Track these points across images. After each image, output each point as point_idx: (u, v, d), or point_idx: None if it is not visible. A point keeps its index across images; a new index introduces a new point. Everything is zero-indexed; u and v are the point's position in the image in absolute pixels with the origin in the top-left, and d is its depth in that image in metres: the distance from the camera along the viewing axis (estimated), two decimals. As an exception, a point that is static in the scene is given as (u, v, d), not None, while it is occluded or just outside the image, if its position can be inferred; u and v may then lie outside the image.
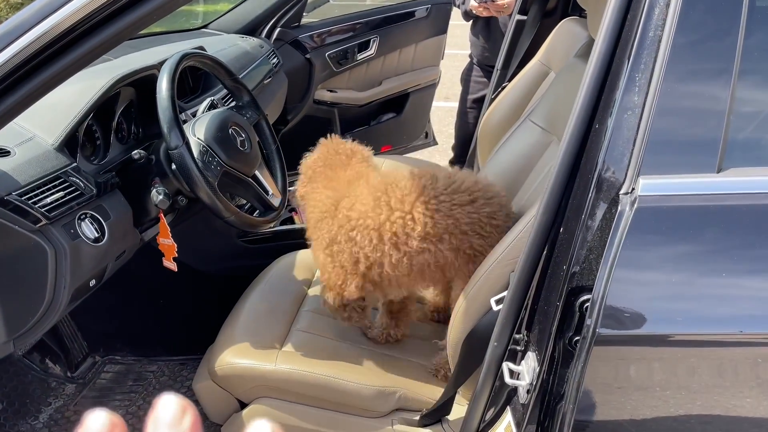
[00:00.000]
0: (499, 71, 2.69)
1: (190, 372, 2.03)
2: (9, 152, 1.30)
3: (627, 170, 0.93)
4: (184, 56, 1.51)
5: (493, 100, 2.66)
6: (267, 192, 1.67)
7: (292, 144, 3.17)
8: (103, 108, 1.55)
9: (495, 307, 1.25)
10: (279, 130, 3.09)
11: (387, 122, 3.49)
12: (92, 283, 1.43)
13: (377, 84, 3.38)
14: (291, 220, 2.13)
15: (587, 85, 1.00)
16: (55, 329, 1.90)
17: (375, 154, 3.38)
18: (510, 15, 2.72)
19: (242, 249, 2.10)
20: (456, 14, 3.28)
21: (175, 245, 1.58)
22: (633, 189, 0.92)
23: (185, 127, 1.52)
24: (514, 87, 2.46)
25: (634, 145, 0.93)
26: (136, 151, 1.51)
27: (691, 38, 0.92)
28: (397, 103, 3.48)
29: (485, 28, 2.89)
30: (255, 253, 2.09)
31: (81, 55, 1.07)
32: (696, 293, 0.91)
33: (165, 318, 2.12)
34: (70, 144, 1.43)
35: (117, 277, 1.62)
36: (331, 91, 3.22)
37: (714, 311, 0.91)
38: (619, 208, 0.92)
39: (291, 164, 2.44)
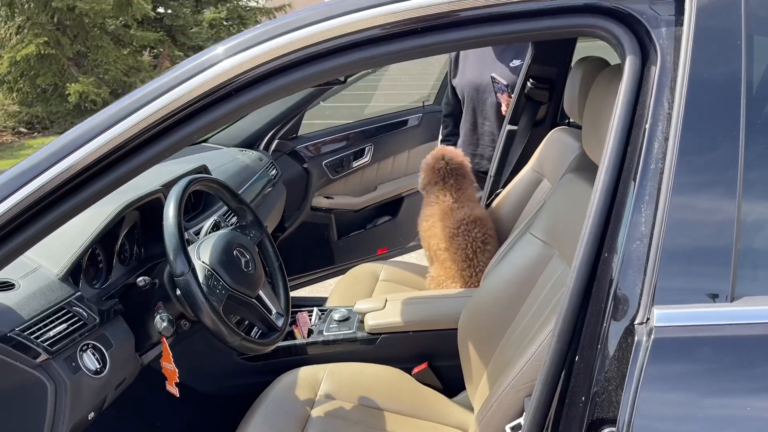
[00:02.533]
0: (492, 178, 2.76)
1: (188, 501, 1.93)
2: (14, 285, 1.29)
3: (640, 299, 0.94)
4: (191, 182, 1.54)
5: (487, 206, 2.71)
6: (270, 312, 1.66)
7: (289, 250, 3.20)
8: (107, 233, 1.56)
9: (510, 435, 1.22)
10: (276, 237, 3.11)
11: (383, 225, 3.53)
12: (91, 416, 1.38)
13: (372, 189, 3.45)
14: (292, 334, 2.10)
15: (593, 214, 1.02)
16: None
17: (371, 258, 3.42)
18: (499, 123, 2.82)
19: (243, 367, 2.05)
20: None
21: (177, 371, 1.55)
22: (648, 319, 0.92)
23: (190, 249, 1.52)
24: (508, 194, 2.51)
25: (645, 274, 0.94)
26: (140, 278, 1.50)
27: (693, 170, 0.95)
28: (392, 206, 3.54)
29: (473, 136, 2.99)
30: (256, 371, 2.04)
31: (97, 190, 1.09)
32: (723, 427, 0.89)
33: (162, 442, 2.04)
34: (74, 272, 1.42)
35: (114, 400, 1.57)
36: (327, 197, 3.28)
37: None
38: (636, 338, 0.92)
39: (289, 270, 2.44)
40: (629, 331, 0.93)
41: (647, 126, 0.98)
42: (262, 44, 1.06)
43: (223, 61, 1.06)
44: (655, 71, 1.00)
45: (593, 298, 1.00)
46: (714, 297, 0.92)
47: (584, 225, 1.03)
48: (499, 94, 2.78)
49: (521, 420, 1.23)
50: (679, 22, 1.00)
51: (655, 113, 0.98)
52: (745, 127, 0.95)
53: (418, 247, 3.79)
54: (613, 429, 0.91)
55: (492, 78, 2.78)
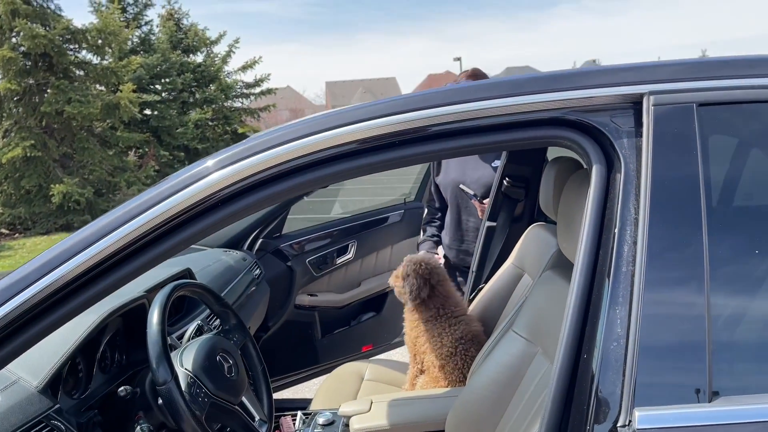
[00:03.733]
0: (474, 273, 2.79)
1: None
2: (-9, 399, 1.27)
3: (621, 402, 0.95)
4: (175, 288, 1.55)
5: (471, 300, 2.73)
6: (253, 419, 1.63)
7: (273, 350, 3.16)
8: (89, 341, 1.55)
9: None
10: (260, 337, 3.08)
11: (367, 322, 3.51)
12: None
13: (356, 285, 3.46)
14: (276, 441, 2.04)
15: (570, 316, 1.05)
16: None
17: (356, 355, 3.37)
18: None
19: (225, 478, 1.97)
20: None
21: (156, 485, 1.49)
22: (630, 422, 0.93)
23: (173, 355, 1.51)
24: (490, 289, 2.54)
25: (624, 375, 0.96)
26: (122, 388, 1.48)
27: (662, 270, 0.99)
28: (376, 302, 3.54)
29: (458, 232, 3.04)
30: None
31: (84, 301, 1.10)
32: None
33: None
34: (53, 383, 1.40)
35: None
36: (311, 295, 3.27)
37: None
38: (620, 441, 0.92)
39: (273, 370, 2.39)
40: (613, 434, 0.94)
41: (616, 230, 1.03)
42: (251, 157, 1.11)
43: (213, 174, 1.10)
44: (620, 179, 1.06)
45: (575, 400, 1.01)
46: (693, 397, 0.94)
47: (562, 326, 1.05)
48: (473, 201, 2.88)
49: None
50: (639, 133, 1.08)
51: (622, 218, 1.03)
52: (707, 226, 1.00)
53: (404, 343, 3.77)
54: None
55: (461, 189, 2.89)
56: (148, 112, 15.13)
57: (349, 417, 2.03)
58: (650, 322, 0.97)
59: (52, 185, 10.69)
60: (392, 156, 1.15)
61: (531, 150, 2.54)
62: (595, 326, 1.01)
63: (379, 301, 3.54)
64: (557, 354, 1.04)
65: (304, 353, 3.31)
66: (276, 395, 3.15)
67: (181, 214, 1.10)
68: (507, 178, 2.59)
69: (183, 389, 1.42)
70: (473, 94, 1.13)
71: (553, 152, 2.41)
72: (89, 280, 1.09)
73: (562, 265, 1.80)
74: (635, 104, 1.09)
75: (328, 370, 2.78)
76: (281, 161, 1.11)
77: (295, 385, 3.34)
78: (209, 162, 1.12)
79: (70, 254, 1.07)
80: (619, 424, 0.94)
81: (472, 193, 2.84)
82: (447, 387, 2.21)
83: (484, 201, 2.83)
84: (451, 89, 1.17)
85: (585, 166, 1.15)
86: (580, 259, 1.06)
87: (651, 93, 1.07)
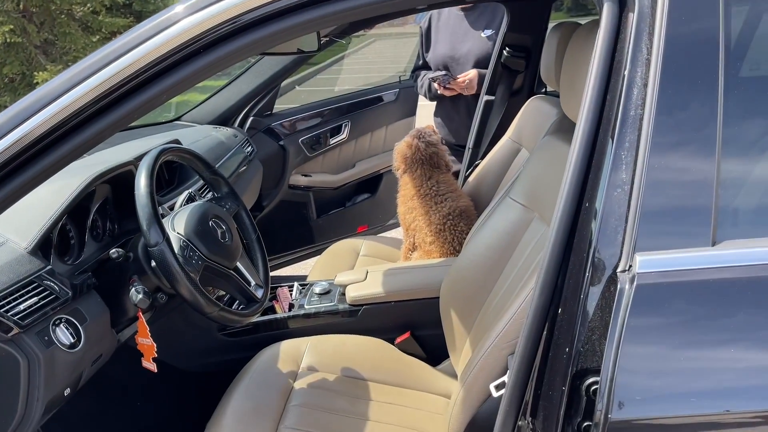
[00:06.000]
0: (470, 149, 2.74)
1: (171, 480, 1.91)
2: (-21, 259, 1.25)
3: (622, 247, 0.93)
4: (162, 151, 1.50)
5: (466, 177, 2.70)
6: (249, 283, 1.63)
7: (267, 229, 3.15)
8: (77, 207, 1.51)
9: (495, 393, 1.21)
10: (254, 217, 3.06)
11: (362, 203, 3.51)
12: (67, 392, 1.35)
13: (351, 166, 3.41)
14: (273, 310, 2.07)
15: (573, 164, 1.00)
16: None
17: (351, 236, 3.39)
18: (474, 95, 2.79)
19: (223, 343, 2.02)
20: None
21: (155, 345, 1.51)
22: (630, 266, 0.91)
23: (164, 221, 1.48)
24: (487, 164, 2.50)
25: (626, 222, 0.93)
26: (114, 250, 1.46)
27: (671, 114, 0.94)
28: (371, 183, 3.51)
29: (451, 109, 2.96)
30: (237, 347, 2.02)
31: (58, 158, 1.04)
32: (708, 370, 0.89)
33: (144, 422, 2.00)
34: (43, 246, 1.38)
35: (91, 380, 1.54)
36: (305, 175, 3.23)
37: (730, 388, 0.88)
38: (618, 286, 0.91)
39: (267, 249, 2.39)
40: (612, 279, 0.93)
41: (626, 72, 0.96)
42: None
43: (183, 20, 1.02)
44: (633, 17, 0.98)
45: (575, 248, 0.99)
46: (695, 242, 0.91)
47: (564, 176, 1.01)
48: (449, 84, 2.76)
49: (505, 378, 1.22)
50: (656, -32, 0.99)
51: (634, 58, 0.96)
52: (724, 69, 0.94)
53: (399, 224, 3.79)
54: (597, 379, 0.91)
55: (432, 80, 2.78)
56: (130, -5, 14.40)
57: (345, 286, 2.06)
58: (656, 167, 0.92)
59: (35, 73, 10.35)
60: None
61: (532, 16, 2.41)
62: (599, 174, 0.97)
63: (374, 182, 3.51)
64: (558, 203, 1.00)
65: (300, 233, 3.32)
66: (272, 273, 3.20)
67: (149, 67, 1.02)
68: (507, 48, 2.48)
69: (176, 251, 1.40)
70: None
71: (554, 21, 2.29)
72: (62, 135, 1.03)
73: (561, 130, 1.75)
74: None
75: (323, 251, 2.79)
76: (259, 4, 1.02)
77: (291, 265, 3.38)
78: (179, 8, 1.03)
79: (39, 106, 1.01)
80: (618, 270, 0.92)
81: (442, 73, 2.74)
82: (439, 257, 2.22)
83: (458, 77, 2.74)
84: None
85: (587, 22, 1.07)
86: (585, 103, 1.00)
87: None
